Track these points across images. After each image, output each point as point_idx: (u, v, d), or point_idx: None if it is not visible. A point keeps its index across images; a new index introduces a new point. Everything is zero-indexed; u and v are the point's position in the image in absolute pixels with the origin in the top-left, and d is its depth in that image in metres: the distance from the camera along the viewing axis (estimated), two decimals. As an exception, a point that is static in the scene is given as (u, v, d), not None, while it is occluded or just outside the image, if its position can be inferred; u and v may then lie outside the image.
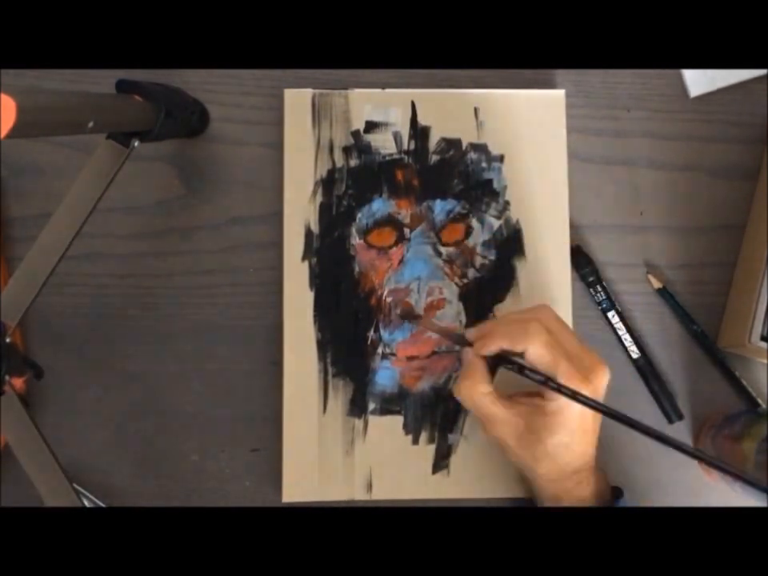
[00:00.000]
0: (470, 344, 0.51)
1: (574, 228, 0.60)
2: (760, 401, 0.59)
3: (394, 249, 0.59)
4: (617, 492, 0.54)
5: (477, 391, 0.50)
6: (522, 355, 0.49)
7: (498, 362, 0.51)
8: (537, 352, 0.48)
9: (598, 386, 0.49)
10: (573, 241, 0.60)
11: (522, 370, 0.50)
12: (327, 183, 0.59)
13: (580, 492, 0.51)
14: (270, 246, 0.60)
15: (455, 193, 0.60)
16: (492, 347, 0.50)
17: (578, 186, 0.60)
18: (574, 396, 0.47)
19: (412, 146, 0.60)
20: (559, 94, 0.60)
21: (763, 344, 0.56)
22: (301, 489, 0.57)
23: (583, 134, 0.61)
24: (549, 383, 0.48)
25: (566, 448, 0.49)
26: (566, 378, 0.48)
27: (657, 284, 0.60)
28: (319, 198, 0.59)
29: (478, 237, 0.59)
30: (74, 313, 0.59)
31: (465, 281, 0.59)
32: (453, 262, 0.59)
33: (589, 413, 0.49)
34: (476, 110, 0.60)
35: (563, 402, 0.48)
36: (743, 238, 0.61)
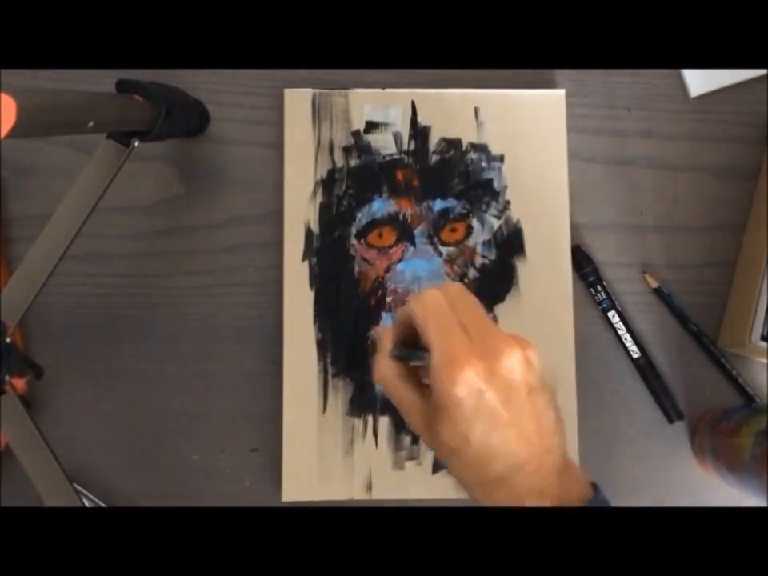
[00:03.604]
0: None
1: (574, 228, 0.60)
2: (758, 399, 0.59)
3: (394, 249, 0.59)
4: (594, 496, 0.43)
5: (383, 363, 0.43)
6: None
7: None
8: (421, 314, 0.41)
9: (496, 366, 0.40)
10: (573, 241, 0.60)
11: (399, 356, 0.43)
12: (327, 183, 0.59)
13: (516, 504, 0.41)
14: (270, 245, 0.60)
15: (455, 193, 0.60)
16: (395, 329, 0.44)
17: (578, 186, 0.60)
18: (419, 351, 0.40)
19: (412, 146, 0.60)
20: (559, 93, 0.60)
21: (763, 344, 0.56)
22: (300, 488, 0.57)
23: (583, 134, 0.61)
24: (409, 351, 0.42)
25: (465, 441, 0.40)
26: (446, 352, 0.40)
27: (653, 283, 0.60)
28: (319, 198, 0.59)
29: (478, 237, 0.59)
30: (74, 313, 0.59)
31: (465, 281, 0.59)
32: (453, 261, 0.59)
33: (491, 396, 0.40)
34: (476, 110, 0.60)
35: (440, 382, 0.40)
36: (743, 238, 0.61)
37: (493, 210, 0.60)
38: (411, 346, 0.44)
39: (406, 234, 0.59)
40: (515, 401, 0.40)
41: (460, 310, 0.42)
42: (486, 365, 0.40)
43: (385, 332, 0.45)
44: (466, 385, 0.40)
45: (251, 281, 0.60)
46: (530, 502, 0.41)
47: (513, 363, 0.40)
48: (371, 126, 0.60)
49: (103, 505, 0.57)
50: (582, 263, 0.60)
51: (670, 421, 0.59)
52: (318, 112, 0.60)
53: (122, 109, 0.49)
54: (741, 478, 0.54)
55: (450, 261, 0.59)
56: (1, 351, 0.46)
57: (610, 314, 0.60)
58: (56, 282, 0.50)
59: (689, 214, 0.61)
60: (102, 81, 0.58)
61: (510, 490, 0.41)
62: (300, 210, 0.59)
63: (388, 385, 0.44)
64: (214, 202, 0.60)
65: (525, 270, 0.59)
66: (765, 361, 0.58)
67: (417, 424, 0.43)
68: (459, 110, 0.60)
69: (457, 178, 0.60)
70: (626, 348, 0.60)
